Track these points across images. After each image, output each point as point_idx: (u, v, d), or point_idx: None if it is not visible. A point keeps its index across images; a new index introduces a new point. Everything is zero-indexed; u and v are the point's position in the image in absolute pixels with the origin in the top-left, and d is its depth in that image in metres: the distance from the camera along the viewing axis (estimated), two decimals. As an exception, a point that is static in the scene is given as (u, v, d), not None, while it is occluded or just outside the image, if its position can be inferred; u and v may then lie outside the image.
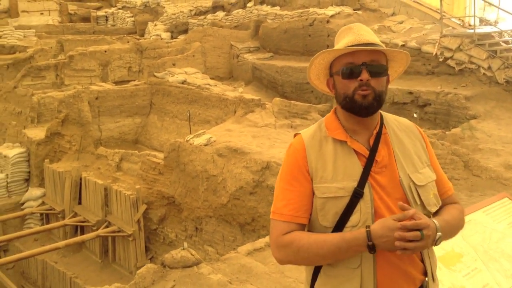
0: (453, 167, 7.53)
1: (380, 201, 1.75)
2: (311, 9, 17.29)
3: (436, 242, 1.70)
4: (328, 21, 15.75)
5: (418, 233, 1.60)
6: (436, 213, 1.88)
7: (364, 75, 1.74)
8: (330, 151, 1.81)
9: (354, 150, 1.80)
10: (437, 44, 12.47)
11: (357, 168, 1.78)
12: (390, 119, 1.95)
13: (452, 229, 1.87)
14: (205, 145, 10.01)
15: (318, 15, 16.38)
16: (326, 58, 1.86)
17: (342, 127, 1.85)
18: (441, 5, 13.31)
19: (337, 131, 1.84)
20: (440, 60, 12.30)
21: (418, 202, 1.79)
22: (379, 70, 1.78)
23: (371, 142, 1.82)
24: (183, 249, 5.17)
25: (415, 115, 9.31)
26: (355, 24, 1.89)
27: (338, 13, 16.35)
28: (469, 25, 13.49)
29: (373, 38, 1.81)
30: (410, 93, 11.70)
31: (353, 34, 1.81)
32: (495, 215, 2.86)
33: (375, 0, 17.55)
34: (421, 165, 1.87)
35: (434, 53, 12.35)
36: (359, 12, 16.66)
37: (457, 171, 7.45)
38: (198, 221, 10.06)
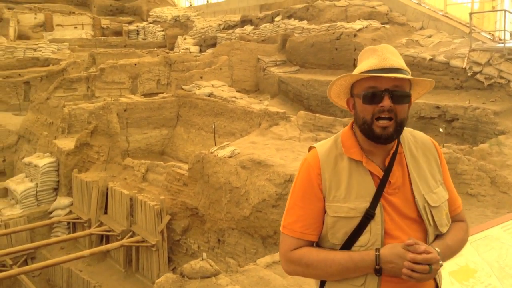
0: (480, 183, 7.36)
1: (391, 222, 1.74)
2: (338, 23, 17.29)
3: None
4: (355, 35, 15.71)
5: (426, 267, 1.60)
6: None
7: (386, 102, 1.69)
8: (345, 169, 1.79)
9: (369, 171, 1.78)
10: (466, 58, 12.28)
11: (370, 189, 1.76)
12: (407, 135, 1.89)
13: (452, 253, 1.85)
14: (229, 157, 10.06)
15: (346, 29, 16.36)
16: (348, 81, 1.82)
17: (358, 146, 1.81)
18: (471, 19, 13.13)
19: (353, 150, 1.81)
20: (469, 74, 12.09)
21: (432, 223, 1.77)
22: (402, 97, 1.72)
23: (386, 162, 1.79)
24: (202, 259, 5.17)
25: (441, 130, 9.14)
26: (381, 45, 1.82)
27: (366, 27, 16.29)
28: (500, 39, 13.24)
29: (398, 62, 1.74)
30: (438, 107, 11.53)
31: (377, 57, 1.75)
32: (513, 231, 2.78)
33: (404, 14, 17.44)
34: (435, 184, 1.83)
35: (464, 67, 12.15)
36: (387, 26, 16.56)
37: (483, 187, 7.27)
38: (220, 233, 10.08)
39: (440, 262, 1.65)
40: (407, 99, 1.74)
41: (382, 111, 1.69)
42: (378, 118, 1.71)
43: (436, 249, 1.67)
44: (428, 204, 1.77)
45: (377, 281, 1.70)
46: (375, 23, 16.70)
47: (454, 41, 14.16)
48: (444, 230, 1.80)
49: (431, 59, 12.97)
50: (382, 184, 1.75)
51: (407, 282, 1.69)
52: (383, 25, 16.56)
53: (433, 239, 1.79)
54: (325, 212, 1.79)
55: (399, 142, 1.83)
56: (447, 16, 16.18)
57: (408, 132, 1.91)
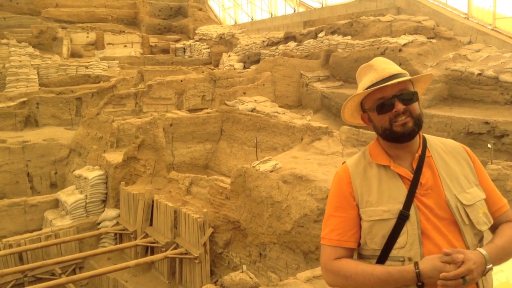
0: (530, 201, 7.10)
1: (427, 222, 1.77)
2: (383, 38, 17.16)
3: (485, 274, 1.70)
4: (400, 50, 15.53)
5: (460, 280, 1.62)
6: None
7: (398, 106, 1.82)
8: (375, 176, 1.87)
9: (399, 174, 1.85)
10: (516, 72, 11.91)
11: (402, 191, 1.81)
12: (435, 142, 1.97)
13: (506, 253, 1.84)
14: (271, 171, 10.12)
15: (390, 44, 16.22)
16: (357, 100, 1.95)
17: (385, 153, 1.91)
18: (521, 32, 12.75)
19: (380, 157, 1.90)
20: (520, 89, 11.71)
21: (467, 222, 1.80)
22: (410, 97, 1.84)
23: (414, 165, 1.86)
24: (242, 271, 5.24)
25: (489, 146, 8.87)
26: (373, 60, 1.96)
27: (411, 42, 16.08)
28: (552, 52, 12.78)
29: (394, 68, 1.87)
30: (487, 123, 11.20)
31: (375, 70, 1.89)
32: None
33: (451, 29, 17.12)
34: (468, 185, 1.87)
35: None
36: (433, 40, 16.29)
37: (534, 205, 7.00)
38: (262, 247, 10.10)
39: (490, 265, 1.68)
40: (416, 97, 1.87)
41: (397, 115, 1.82)
42: (395, 121, 1.83)
43: (483, 252, 1.69)
44: (461, 203, 1.81)
45: None
46: (421, 38, 16.47)
47: (504, 55, 13.77)
48: (483, 228, 1.83)
49: (479, 74, 12.65)
50: (413, 185, 1.81)
51: None
52: (429, 40, 16.30)
53: (474, 238, 1.81)
54: (360, 219, 1.86)
55: (425, 147, 1.91)
56: (496, 30, 15.77)
57: (436, 139, 1.99)
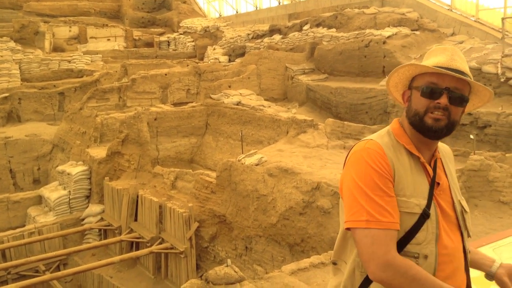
0: (513, 191, 7.16)
1: (441, 223, 1.74)
2: (367, 31, 17.18)
3: None
4: (384, 42, 15.56)
5: None
6: None
7: (443, 99, 1.70)
8: (406, 163, 1.75)
9: (424, 169, 1.77)
10: (498, 64, 12.00)
11: (425, 188, 1.75)
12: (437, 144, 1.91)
13: None
14: (256, 164, 10.09)
15: (375, 36, 16.24)
16: (412, 71, 1.81)
17: (412, 143, 1.79)
18: (503, 24, 12.85)
19: (410, 146, 1.78)
20: (502, 80, 11.80)
21: (465, 228, 1.80)
22: (460, 99, 1.72)
23: (432, 163, 1.80)
24: (227, 266, 5.20)
25: (472, 137, 8.94)
26: (452, 47, 1.83)
27: (395, 34, 16.12)
28: (534, 43, 12.90)
29: (464, 66, 1.75)
30: (469, 114, 11.26)
31: (446, 56, 1.76)
32: (540, 236, 2.69)
33: (434, 21, 17.19)
34: (460, 191, 1.89)
35: (497, 73, 11.87)
36: (417, 32, 16.35)
37: (516, 195, 7.06)
38: (248, 240, 10.08)
39: None
40: (464, 103, 1.75)
41: (437, 107, 1.70)
42: (431, 112, 1.71)
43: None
44: (464, 209, 1.81)
45: None
46: (405, 30, 16.51)
47: (487, 47, 13.86)
48: (471, 235, 1.84)
49: (462, 65, 12.71)
50: (433, 184, 1.76)
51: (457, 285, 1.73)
52: (413, 32, 16.36)
53: (467, 245, 1.83)
54: None
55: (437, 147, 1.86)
56: (479, 22, 15.87)
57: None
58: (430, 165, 1.79)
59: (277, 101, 17.35)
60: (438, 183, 1.78)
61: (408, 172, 1.72)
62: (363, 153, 1.72)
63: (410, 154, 1.76)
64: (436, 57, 1.78)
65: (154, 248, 11.12)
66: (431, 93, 1.71)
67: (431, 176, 1.76)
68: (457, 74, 1.69)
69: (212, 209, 10.85)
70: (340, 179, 1.80)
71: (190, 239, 10.79)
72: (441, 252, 1.70)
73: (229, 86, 16.83)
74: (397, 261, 1.59)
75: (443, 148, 1.95)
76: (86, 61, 23.92)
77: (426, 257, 1.68)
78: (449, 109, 1.70)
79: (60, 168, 14.48)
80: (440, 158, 1.86)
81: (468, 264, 1.80)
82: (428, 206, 1.70)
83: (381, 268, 1.59)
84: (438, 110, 1.70)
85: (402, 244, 1.68)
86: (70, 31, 28.20)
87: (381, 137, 1.79)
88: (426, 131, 1.73)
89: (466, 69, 1.74)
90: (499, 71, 11.89)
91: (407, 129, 1.80)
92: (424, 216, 1.69)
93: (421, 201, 1.70)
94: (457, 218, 1.79)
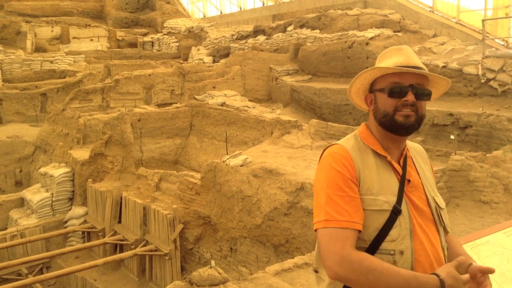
0: (493, 190, 7.28)
1: (415, 219, 1.77)
2: (350, 32, 17.30)
3: None
4: (367, 43, 15.70)
5: None
6: None
7: (410, 96, 1.78)
8: (373, 164, 1.81)
9: (392, 167, 1.82)
10: (479, 65, 12.19)
11: (395, 185, 1.79)
12: (407, 143, 1.98)
13: None
14: (241, 165, 10.10)
15: (358, 37, 16.37)
16: (375, 74, 1.86)
17: (379, 143, 1.86)
18: (484, 25, 13.04)
19: (376, 146, 1.84)
20: (482, 81, 12.00)
21: (442, 224, 1.83)
22: (424, 93, 1.81)
23: (401, 161, 1.85)
24: (211, 267, 5.20)
25: (452, 137, 9.07)
26: (404, 46, 1.91)
27: (378, 35, 16.27)
28: (513, 45, 13.13)
29: (419, 62, 1.84)
30: (451, 114, 11.44)
31: (403, 55, 1.84)
32: (517, 236, 2.75)
33: (416, 22, 17.38)
34: (435, 188, 1.93)
35: (477, 74, 12.06)
36: (399, 34, 16.53)
37: (496, 195, 7.19)
38: (233, 242, 10.09)
39: None
40: (428, 97, 1.84)
41: (405, 105, 1.78)
42: (400, 110, 1.79)
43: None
44: (438, 205, 1.85)
45: None
46: (387, 31, 16.68)
47: (467, 48, 14.07)
48: (450, 231, 1.89)
49: (444, 66, 12.90)
50: (403, 181, 1.81)
51: None
52: (395, 33, 16.53)
53: (444, 240, 1.86)
54: None
55: (406, 145, 1.92)
56: (460, 23, 16.09)
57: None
58: (399, 163, 1.84)
59: (261, 102, 17.39)
60: (409, 180, 1.82)
61: (374, 172, 1.78)
62: (329, 158, 1.80)
63: (377, 154, 1.83)
64: (391, 58, 1.85)
65: (138, 250, 11.06)
66: (397, 91, 1.78)
67: (401, 174, 1.81)
68: (417, 70, 1.79)
69: (196, 210, 10.82)
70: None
71: (175, 241, 10.76)
72: (417, 248, 1.73)
73: (214, 87, 16.82)
74: (352, 256, 1.62)
75: (414, 146, 2.01)
76: (68, 61, 23.66)
77: (402, 253, 1.71)
78: (416, 105, 1.78)
79: (42, 170, 14.32)
80: (411, 157, 1.90)
81: (445, 260, 1.83)
82: (399, 202, 1.75)
83: (337, 263, 1.62)
84: (407, 107, 1.78)
85: (377, 242, 1.72)
86: (52, 31, 27.86)
87: (347, 140, 1.88)
88: (399, 129, 1.79)
89: (422, 64, 1.84)
90: (480, 72, 12.08)
91: (374, 131, 1.88)
92: (396, 212, 1.73)
93: (390, 198, 1.75)
94: (432, 214, 1.82)
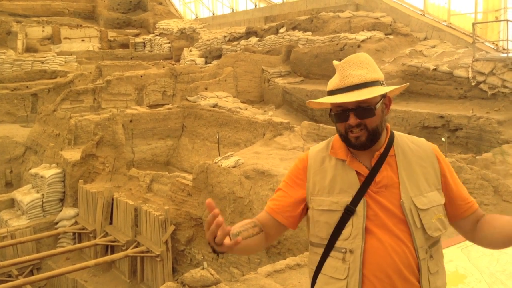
0: (482, 192, 7.35)
1: (375, 218, 1.79)
2: (342, 34, 17.39)
3: None
4: (359, 46, 15.79)
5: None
6: (473, 231, 1.93)
7: (352, 120, 1.78)
8: (332, 167, 1.89)
9: (355, 170, 1.86)
10: (469, 68, 12.31)
11: (354, 185, 1.83)
12: (403, 140, 1.94)
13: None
14: (233, 167, 10.11)
15: (349, 40, 16.45)
16: (315, 106, 1.96)
17: (346, 148, 1.89)
18: (474, 29, 13.17)
19: (339, 150, 1.90)
20: (473, 84, 12.11)
21: (419, 226, 1.79)
22: (367, 111, 1.78)
23: (373, 162, 1.86)
24: (203, 268, 5.21)
25: (443, 139, 9.15)
26: (344, 60, 1.87)
27: (369, 38, 16.37)
28: (503, 49, 13.27)
29: (359, 76, 1.79)
30: (441, 117, 11.53)
31: (339, 75, 1.83)
32: (506, 237, 2.80)
33: (407, 25, 17.50)
34: (428, 188, 1.85)
35: (467, 77, 12.18)
36: (391, 36, 16.62)
37: (486, 197, 7.26)
38: (224, 243, 10.08)
39: None
40: (372, 113, 1.79)
41: (351, 126, 1.80)
42: (351, 131, 1.82)
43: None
44: (416, 206, 1.80)
45: (358, 276, 1.76)
46: (379, 34, 16.77)
47: (458, 51, 14.19)
48: (434, 234, 1.81)
49: (434, 69, 13.01)
50: (366, 182, 1.83)
51: (391, 279, 1.75)
52: (386, 36, 16.63)
53: (425, 241, 1.80)
54: (307, 209, 1.93)
55: (390, 145, 1.89)
56: (450, 27, 16.23)
57: (406, 138, 1.96)
58: (371, 163, 1.85)
59: (253, 104, 17.41)
60: (375, 181, 1.82)
61: (329, 176, 1.88)
62: (296, 160, 2.04)
63: (340, 159, 1.89)
64: (333, 79, 1.87)
65: (130, 251, 11.03)
66: (339, 117, 1.82)
67: (366, 175, 1.84)
68: (349, 100, 1.75)
69: (188, 211, 10.82)
70: None
71: (166, 242, 10.74)
72: (371, 247, 1.76)
73: (206, 88, 16.83)
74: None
75: (417, 145, 1.94)
76: (59, 62, 23.54)
77: (351, 251, 1.78)
78: (362, 123, 1.79)
79: (33, 171, 14.23)
80: (394, 156, 1.87)
81: (424, 265, 1.80)
82: (354, 203, 1.80)
83: None
84: (354, 129, 1.80)
85: (332, 240, 1.83)
86: (43, 31, 27.70)
87: (319, 145, 2.01)
88: (353, 147, 1.85)
89: (364, 77, 1.79)
90: (470, 75, 12.20)
91: None
92: (348, 212, 1.79)
93: (343, 199, 1.82)
94: (405, 215, 1.78)
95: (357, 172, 1.85)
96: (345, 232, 1.79)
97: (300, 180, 1.93)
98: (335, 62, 1.92)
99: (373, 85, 1.80)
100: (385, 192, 1.82)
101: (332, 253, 1.83)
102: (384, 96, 1.85)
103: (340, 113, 1.81)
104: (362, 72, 1.81)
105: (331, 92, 1.84)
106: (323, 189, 1.86)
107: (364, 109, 1.78)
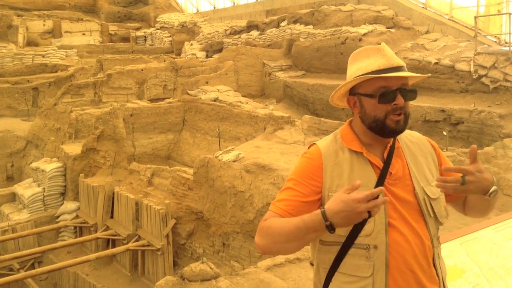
0: (483, 186, 7.34)
1: (394, 211, 1.77)
2: (343, 28, 17.31)
3: (489, 194, 1.74)
4: (360, 39, 15.72)
5: (459, 177, 1.67)
6: (463, 204, 2.00)
7: (400, 100, 1.75)
8: (347, 160, 1.82)
9: (370, 162, 1.82)
10: (471, 61, 12.25)
11: (372, 179, 1.79)
12: (403, 133, 1.94)
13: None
14: (234, 161, 10.10)
15: (351, 33, 16.38)
16: (359, 81, 1.82)
17: (357, 139, 1.86)
18: (476, 22, 13.10)
19: (353, 142, 1.85)
20: (474, 77, 12.06)
21: (432, 214, 1.82)
22: (411, 94, 1.80)
23: (385, 155, 1.84)
24: (202, 262, 5.20)
25: (445, 133, 9.12)
26: (382, 45, 1.86)
27: (371, 31, 16.29)
28: (505, 42, 13.20)
29: (400, 60, 1.81)
30: (443, 111, 11.50)
31: (384, 56, 1.79)
32: (505, 232, 2.78)
33: (409, 18, 17.42)
34: (432, 178, 1.88)
35: (469, 71, 12.12)
36: (392, 30, 16.55)
37: (487, 191, 7.25)
38: (225, 237, 10.10)
39: (494, 187, 1.74)
40: (414, 95, 1.82)
41: (396, 109, 1.76)
42: (391, 115, 1.77)
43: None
44: (428, 196, 1.82)
45: (385, 273, 1.72)
46: (381, 27, 16.70)
47: (460, 45, 14.13)
48: (444, 221, 1.86)
49: (436, 63, 12.95)
50: (383, 174, 1.80)
51: (416, 273, 1.74)
52: (388, 29, 16.55)
53: (436, 229, 1.85)
54: (320, 205, 1.79)
55: (395, 137, 1.88)
56: (452, 20, 16.15)
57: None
58: (384, 156, 1.83)
59: (254, 98, 17.37)
60: (391, 173, 1.81)
61: (346, 170, 1.80)
62: (304, 155, 1.89)
63: (355, 151, 1.83)
64: (370, 59, 1.80)
65: (131, 245, 11.05)
66: (387, 97, 1.76)
67: (381, 168, 1.81)
68: (402, 73, 1.76)
69: (189, 205, 10.82)
70: None
71: (167, 236, 10.76)
72: (395, 241, 1.74)
73: (207, 82, 16.79)
74: (263, 224, 1.74)
75: (410, 136, 1.97)
76: (60, 55, 23.50)
77: (376, 247, 1.73)
78: (404, 106, 1.78)
79: (34, 164, 14.25)
80: (400, 147, 1.87)
81: (436, 252, 1.83)
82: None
83: (256, 235, 1.76)
84: (397, 111, 1.76)
85: (352, 237, 1.75)
86: (44, 25, 27.64)
87: (325, 139, 1.92)
88: (389, 133, 1.79)
89: (402, 62, 1.81)
90: (472, 69, 12.15)
91: (357, 129, 1.88)
92: None
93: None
94: (419, 204, 1.80)
95: (372, 164, 1.82)
96: (368, 227, 1.73)
97: (316, 177, 1.81)
98: (367, 47, 1.88)
99: (407, 70, 1.82)
100: (400, 184, 1.81)
101: (352, 251, 1.75)
102: (417, 92, 1.87)
103: (388, 92, 1.76)
104: (398, 57, 1.83)
105: (377, 72, 1.76)
106: (342, 184, 1.77)
107: (408, 91, 1.78)
